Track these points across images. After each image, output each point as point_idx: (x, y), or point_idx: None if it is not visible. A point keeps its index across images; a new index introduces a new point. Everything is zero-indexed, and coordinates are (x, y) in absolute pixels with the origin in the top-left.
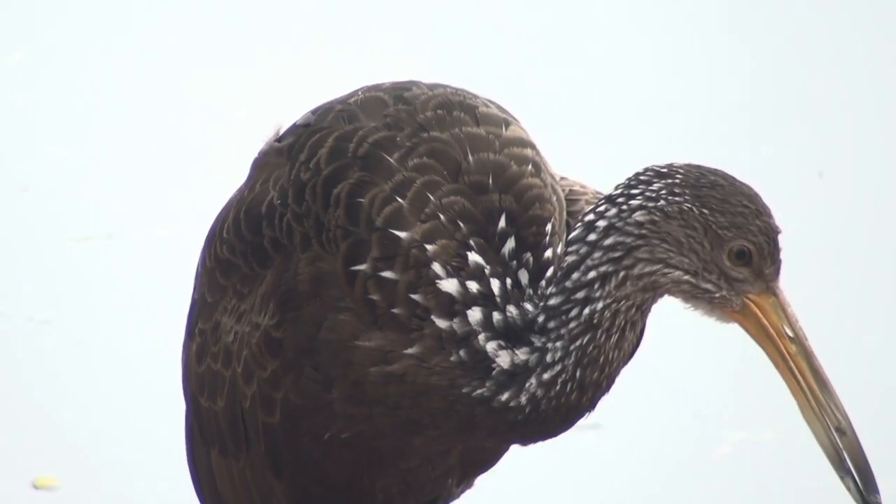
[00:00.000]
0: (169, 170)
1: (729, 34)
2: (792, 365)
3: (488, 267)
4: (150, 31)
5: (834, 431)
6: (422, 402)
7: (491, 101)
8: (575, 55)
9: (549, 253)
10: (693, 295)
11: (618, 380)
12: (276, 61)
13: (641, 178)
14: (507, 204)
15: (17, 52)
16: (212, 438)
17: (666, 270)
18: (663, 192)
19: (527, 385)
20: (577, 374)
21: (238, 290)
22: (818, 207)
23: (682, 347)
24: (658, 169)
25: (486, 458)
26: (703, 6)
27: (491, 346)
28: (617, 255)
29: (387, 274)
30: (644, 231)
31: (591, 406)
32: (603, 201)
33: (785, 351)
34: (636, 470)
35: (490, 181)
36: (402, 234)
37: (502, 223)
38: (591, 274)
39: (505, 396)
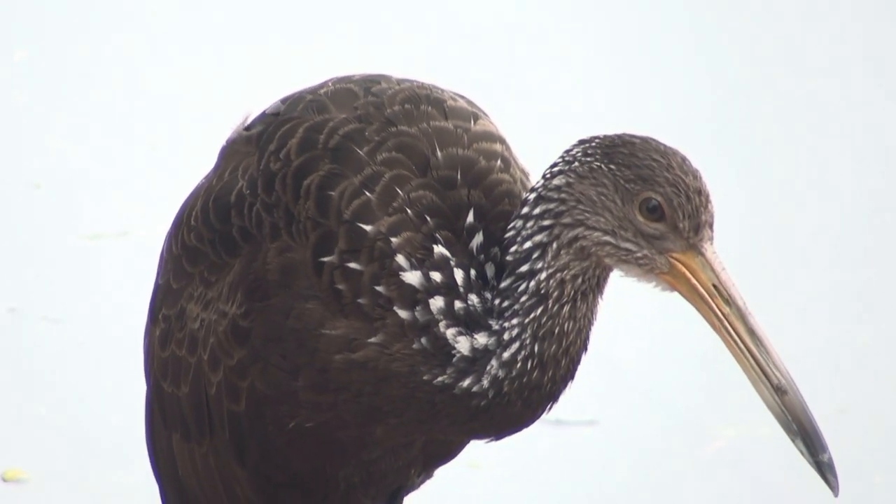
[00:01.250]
0: (179, 166)
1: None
2: (727, 325)
3: (454, 259)
4: (155, 28)
5: (775, 391)
6: (383, 389)
7: (459, 95)
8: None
9: None
10: (619, 258)
11: (613, 375)
12: (281, 57)
13: (567, 148)
14: (476, 199)
15: (18, 51)
16: (174, 423)
17: (586, 232)
18: (578, 154)
19: (488, 368)
20: (536, 348)
21: (205, 277)
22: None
23: (677, 342)
24: (583, 138)
25: (447, 451)
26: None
27: (451, 333)
28: (546, 223)
29: (353, 265)
30: (563, 195)
31: (553, 393)
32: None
33: (719, 311)
34: (630, 465)
35: (458, 176)
36: (368, 228)
37: (470, 218)
38: (527, 244)
39: (466, 383)
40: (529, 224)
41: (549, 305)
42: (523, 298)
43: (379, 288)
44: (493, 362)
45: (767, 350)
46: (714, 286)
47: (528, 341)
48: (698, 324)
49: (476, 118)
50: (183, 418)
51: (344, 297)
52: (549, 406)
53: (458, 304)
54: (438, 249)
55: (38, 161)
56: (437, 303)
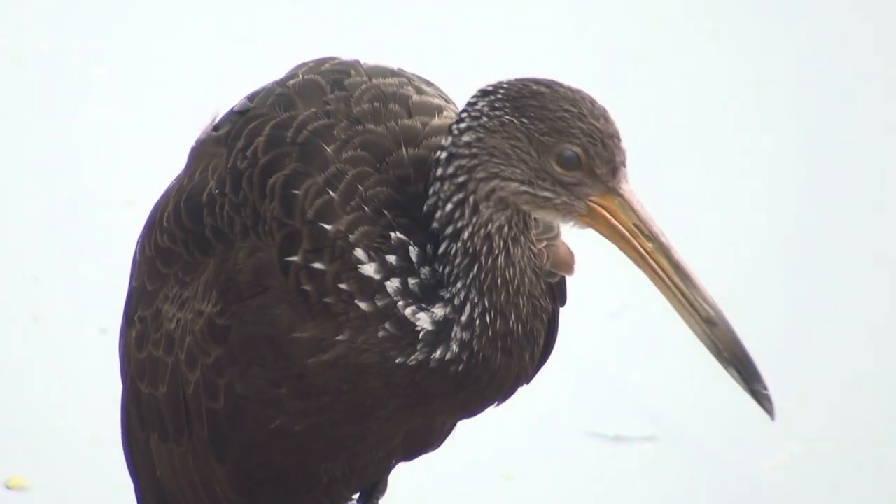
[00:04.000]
0: None
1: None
2: (652, 262)
3: (412, 242)
4: (240, 40)
5: (705, 324)
6: (360, 385)
7: (426, 82)
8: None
9: None
10: (537, 205)
11: (672, 389)
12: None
13: (469, 101)
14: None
15: (99, 67)
16: (152, 424)
17: (503, 184)
18: (486, 108)
19: (453, 334)
20: (486, 301)
21: (180, 278)
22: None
23: (751, 346)
24: (484, 88)
25: (430, 440)
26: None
27: (409, 312)
28: (461, 179)
29: (317, 265)
30: (474, 150)
31: (528, 336)
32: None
33: (642, 249)
34: (690, 481)
35: (412, 172)
36: (329, 227)
37: (426, 208)
38: (448, 206)
39: (438, 353)
40: (446, 185)
41: (483, 261)
42: (457, 260)
43: (342, 285)
44: (455, 328)
45: (694, 283)
46: (635, 225)
47: (476, 299)
48: (764, 337)
49: (440, 111)
50: (161, 419)
51: (311, 298)
52: (530, 352)
53: (412, 282)
54: (396, 235)
55: (131, 178)
56: (392, 285)
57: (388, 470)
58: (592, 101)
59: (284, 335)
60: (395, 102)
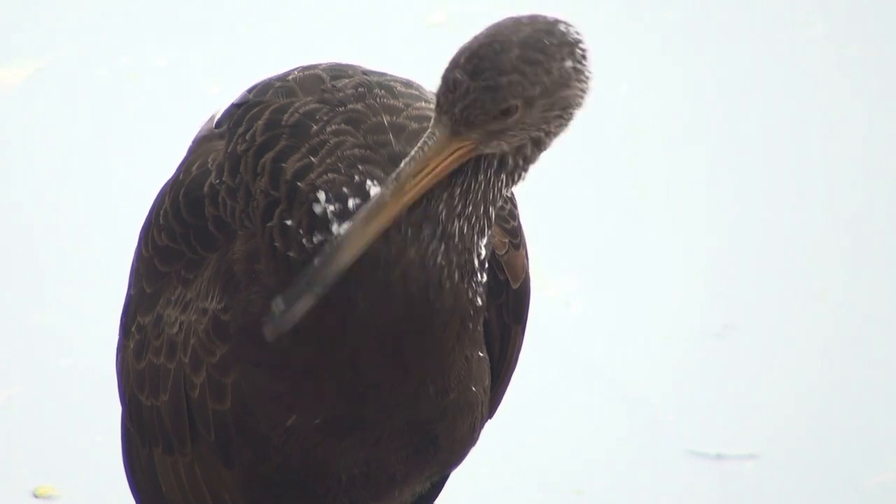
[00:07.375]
0: None
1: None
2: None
3: (375, 181)
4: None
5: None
6: (321, 360)
7: (415, 85)
8: None
9: None
10: None
11: (776, 408)
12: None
13: None
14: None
15: (214, 87)
16: (154, 438)
17: None
18: None
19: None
20: None
21: (182, 276)
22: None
23: (843, 373)
24: None
25: (458, 438)
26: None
27: (335, 227)
28: None
29: (287, 221)
30: None
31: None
32: None
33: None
34: (792, 499)
35: (391, 137)
36: (301, 183)
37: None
38: None
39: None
40: None
41: None
42: None
43: (301, 230)
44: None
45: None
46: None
47: None
48: (868, 356)
49: (427, 101)
50: (163, 430)
51: (278, 254)
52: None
53: (352, 203)
54: (358, 178)
55: None
56: (336, 208)
57: (414, 482)
58: (483, 44)
59: (259, 324)
60: (381, 88)
